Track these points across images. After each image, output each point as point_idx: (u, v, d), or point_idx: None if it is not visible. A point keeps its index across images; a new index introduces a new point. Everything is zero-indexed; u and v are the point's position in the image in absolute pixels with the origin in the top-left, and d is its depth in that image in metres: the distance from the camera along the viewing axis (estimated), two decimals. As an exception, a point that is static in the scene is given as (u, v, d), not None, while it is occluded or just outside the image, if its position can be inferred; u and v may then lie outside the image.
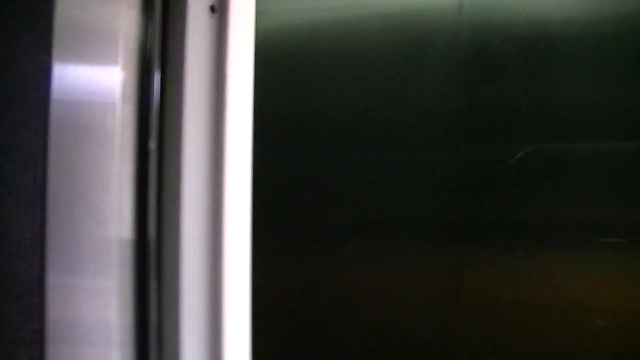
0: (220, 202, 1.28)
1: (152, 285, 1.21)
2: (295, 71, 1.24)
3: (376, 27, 1.18)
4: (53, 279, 0.98)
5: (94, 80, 1.09)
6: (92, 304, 1.11)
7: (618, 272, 1.16)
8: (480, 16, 1.15)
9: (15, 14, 0.95)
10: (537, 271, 1.17)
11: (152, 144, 1.20)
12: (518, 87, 1.17)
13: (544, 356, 1.17)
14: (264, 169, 1.24)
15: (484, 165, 1.16)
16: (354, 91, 1.21)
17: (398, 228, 1.20)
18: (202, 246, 1.27)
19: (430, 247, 1.19)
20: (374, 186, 1.20)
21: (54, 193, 0.99)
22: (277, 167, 1.25)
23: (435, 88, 1.17)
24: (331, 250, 1.24)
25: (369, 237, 1.21)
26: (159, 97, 1.22)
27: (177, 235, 1.21)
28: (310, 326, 1.25)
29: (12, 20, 0.95)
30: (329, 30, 1.20)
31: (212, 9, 1.26)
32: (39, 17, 0.93)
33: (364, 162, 1.21)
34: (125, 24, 1.14)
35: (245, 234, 1.30)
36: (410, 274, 1.20)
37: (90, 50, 1.08)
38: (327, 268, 1.24)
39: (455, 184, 1.17)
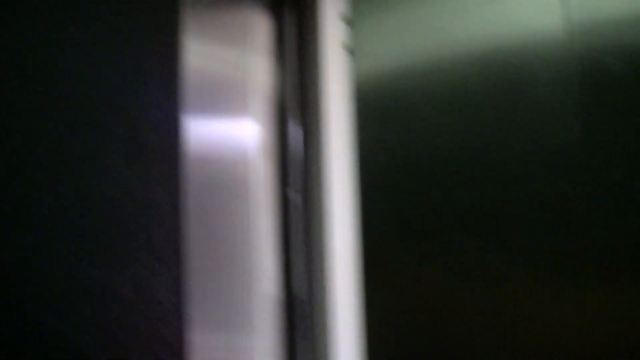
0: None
1: (303, 345, 1.14)
2: (416, 111, 1.17)
3: (488, 65, 1.10)
4: (194, 338, 0.95)
5: (229, 131, 1.07)
6: (238, 365, 1.06)
7: None
8: (593, 42, 1.02)
9: (143, 63, 0.96)
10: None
11: (295, 195, 1.16)
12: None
13: None
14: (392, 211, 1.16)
15: (604, 195, 1.00)
16: (467, 130, 1.13)
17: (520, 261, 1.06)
18: (356, 304, 1.18)
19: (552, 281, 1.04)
20: (484, 227, 1.09)
21: (192, 248, 0.97)
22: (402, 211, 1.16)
23: (547, 120, 1.05)
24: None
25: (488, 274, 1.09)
26: (301, 147, 1.18)
27: (327, 292, 1.14)
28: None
29: (140, 70, 0.97)
30: (445, 70, 1.14)
31: (349, 49, 1.20)
32: (167, 68, 0.94)
33: (481, 202, 1.12)
34: (258, 71, 1.12)
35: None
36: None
37: (224, 100, 1.06)
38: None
39: (574, 217, 1.02)
